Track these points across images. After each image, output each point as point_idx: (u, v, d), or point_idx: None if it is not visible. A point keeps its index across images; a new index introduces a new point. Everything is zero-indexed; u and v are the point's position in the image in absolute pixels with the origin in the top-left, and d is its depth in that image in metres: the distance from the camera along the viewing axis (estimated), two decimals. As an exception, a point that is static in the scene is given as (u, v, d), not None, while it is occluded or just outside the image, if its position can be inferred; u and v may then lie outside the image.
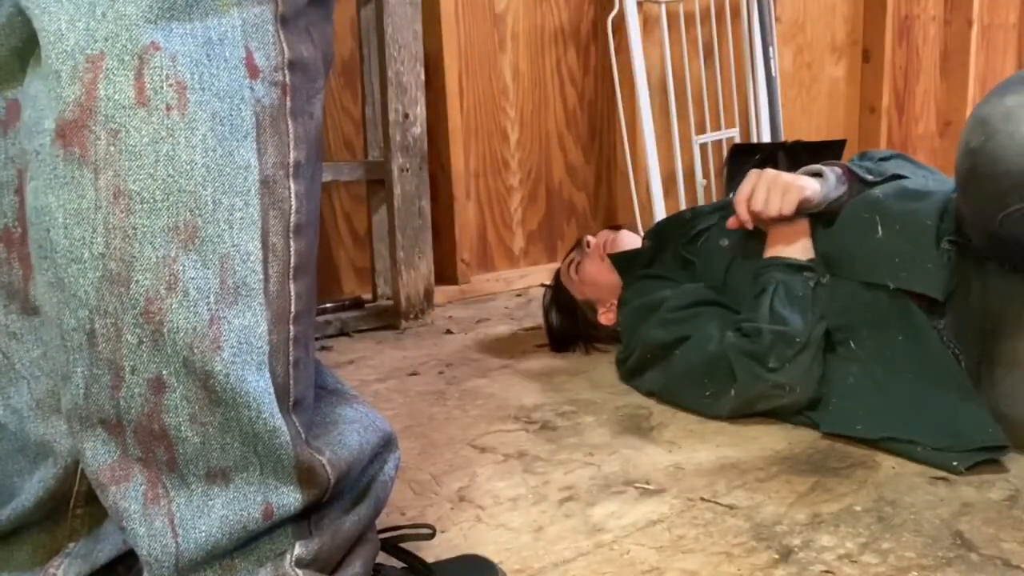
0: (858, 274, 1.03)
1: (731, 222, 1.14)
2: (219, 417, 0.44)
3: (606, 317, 1.34)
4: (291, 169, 0.45)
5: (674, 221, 1.35)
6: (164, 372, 0.43)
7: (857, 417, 0.96)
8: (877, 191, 1.07)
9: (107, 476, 0.44)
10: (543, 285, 1.54)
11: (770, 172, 1.10)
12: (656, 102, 2.02)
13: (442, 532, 0.78)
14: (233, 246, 0.44)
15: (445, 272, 1.92)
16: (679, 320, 1.13)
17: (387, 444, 0.58)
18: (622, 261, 1.32)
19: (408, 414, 1.12)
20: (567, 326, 1.42)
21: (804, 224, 1.11)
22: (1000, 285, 0.94)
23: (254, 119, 0.44)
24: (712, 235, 1.24)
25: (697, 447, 0.98)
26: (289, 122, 0.45)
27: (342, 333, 1.62)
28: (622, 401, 1.15)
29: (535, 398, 1.19)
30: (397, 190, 1.62)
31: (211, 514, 0.45)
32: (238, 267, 0.44)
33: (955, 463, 0.87)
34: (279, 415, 0.46)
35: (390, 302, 1.72)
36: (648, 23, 2.04)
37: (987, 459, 0.87)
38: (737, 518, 0.79)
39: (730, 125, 2.21)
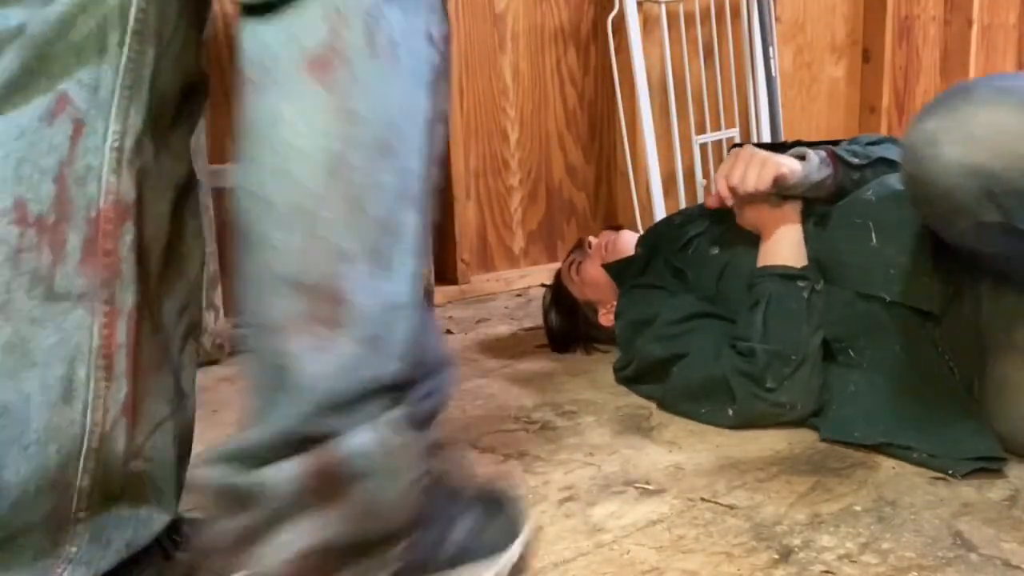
0: (853, 284, 1.02)
1: (710, 200, 1.14)
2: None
3: (606, 318, 1.34)
4: (441, 116, 0.60)
5: (664, 227, 1.34)
6: (356, 249, 0.53)
7: (855, 424, 0.96)
8: (870, 193, 1.05)
9: (283, 323, 0.53)
10: (543, 285, 1.54)
11: (748, 148, 1.10)
12: (656, 102, 2.02)
13: (442, 532, 0.78)
14: (409, 163, 0.56)
15: (445, 272, 1.92)
16: (674, 336, 1.12)
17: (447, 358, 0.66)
18: (616, 270, 1.32)
19: None
20: (567, 326, 1.42)
21: (797, 226, 1.09)
22: (991, 305, 0.93)
23: (430, 75, 0.57)
24: (702, 242, 1.23)
25: (697, 447, 0.98)
26: (442, 81, 0.59)
27: (342, 333, 1.62)
28: (622, 401, 1.15)
29: (535, 398, 1.19)
30: (397, 190, 1.61)
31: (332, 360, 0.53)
32: (410, 179, 0.56)
33: (950, 471, 0.87)
34: (424, 308, 0.59)
35: (390, 302, 1.71)
36: (648, 23, 2.04)
37: (986, 468, 0.87)
38: (737, 518, 0.79)
39: (730, 125, 2.20)
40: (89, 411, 0.56)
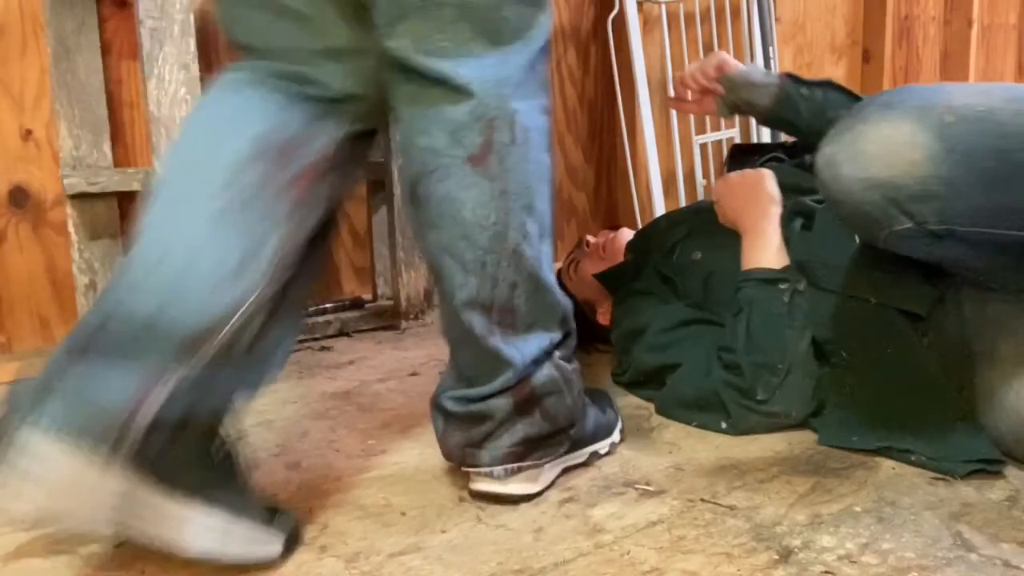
0: (840, 286, 1.01)
1: (670, 103, 1.32)
2: (537, 296, 0.81)
3: (605, 317, 1.33)
4: (552, 167, 0.82)
5: (651, 231, 1.33)
6: (517, 279, 0.79)
7: (853, 429, 0.95)
8: None
9: (482, 331, 0.79)
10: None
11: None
12: (656, 102, 2.02)
13: (442, 532, 0.78)
14: (544, 210, 0.80)
15: (445, 272, 1.91)
16: (666, 345, 1.12)
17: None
18: (608, 279, 1.32)
19: (408, 415, 1.12)
20: None
21: (775, 222, 1.08)
22: (974, 315, 0.93)
23: (548, 140, 0.80)
24: (686, 247, 1.23)
25: (697, 448, 0.98)
26: (551, 140, 0.82)
27: (342, 333, 1.62)
28: (622, 402, 1.15)
29: (535, 398, 1.18)
30: (397, 190, 1.62)
31: (530, 344, 0.81)
32: (545, 219, 0.81)
33: (948, 475, 0.87)
34: (559, 292, 0.84)
35: (390, 302, 1.72)
36: (648, 23, 2.04)
37: (985, 470, 0.87)
38: (737, 519, 0.79)
39: (730, 125, 2.20)
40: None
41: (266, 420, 1.11)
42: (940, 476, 0.87)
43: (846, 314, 1.00)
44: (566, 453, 0.89)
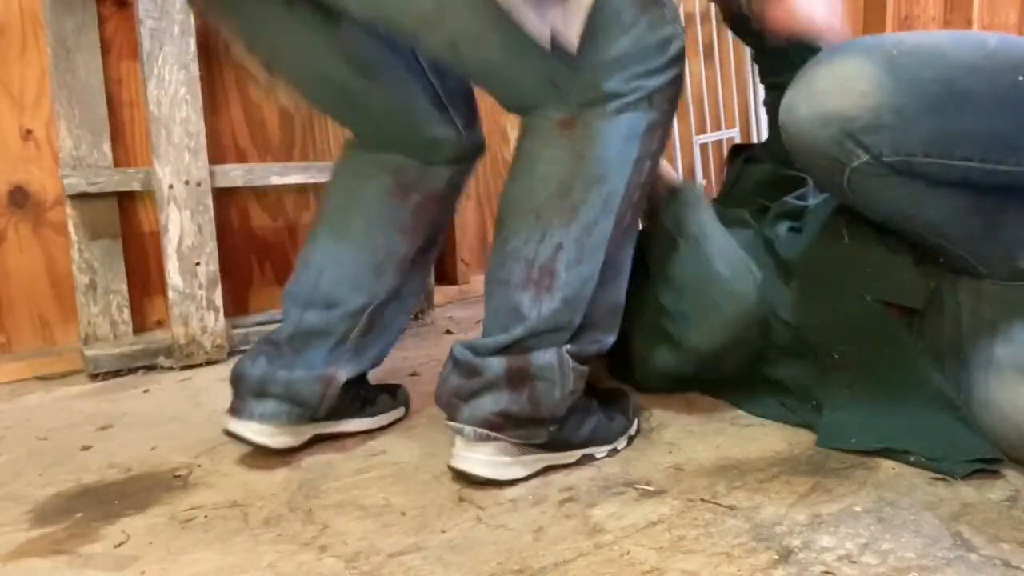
0: (832, 285, 1.00)
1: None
2: (578, 270, 0.86)
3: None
4: (650, 155, 0.88)
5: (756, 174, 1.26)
6: (564, 241, 0.85)
7: (851, 430, 0.95)
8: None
9: (516, 281, 0.87)
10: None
11: None
12: (656, 102, 2.01)
13: (442, 532, 0.78)
14: (616, 187, 0.86)
15: (445, 272, 1.92)
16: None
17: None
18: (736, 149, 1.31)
19: (409, 414, 1.12)
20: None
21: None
22: (970, 318, 0.92)
23: (643, 128, 0.86)
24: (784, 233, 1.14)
25: (697, 448, 0.98)
26: (659, 129, 0.89)
27: (342, 333, 1.62)
28: (622, 401, 1.15)
29: (535, 398, 1.18)
30: (397, 190, 1.62)
31: (551, 312, 0.86)
32: (613, 198, 0.86)
33: (948, 475, 0.87)
34: (596, 282, 0.88)
35: (390, 302, 1.72)
36: (648, 23, 2.04)
37: (984, 469, 0.87)
38: (737, 519, 0.79)
39: (730, 125, 2.21)
40: None
41: (266, 420, 1.11)
42: (940, 476, 0.87)
43: (838, 314, 0.99)
44: (545, 449, 0.90)
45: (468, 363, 0.86)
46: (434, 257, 1.09)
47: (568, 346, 0.87)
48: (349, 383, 0.99)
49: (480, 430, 0.85)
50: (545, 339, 0.86)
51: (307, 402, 0.95)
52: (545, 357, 0.86)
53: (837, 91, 0.81)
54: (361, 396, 1.05)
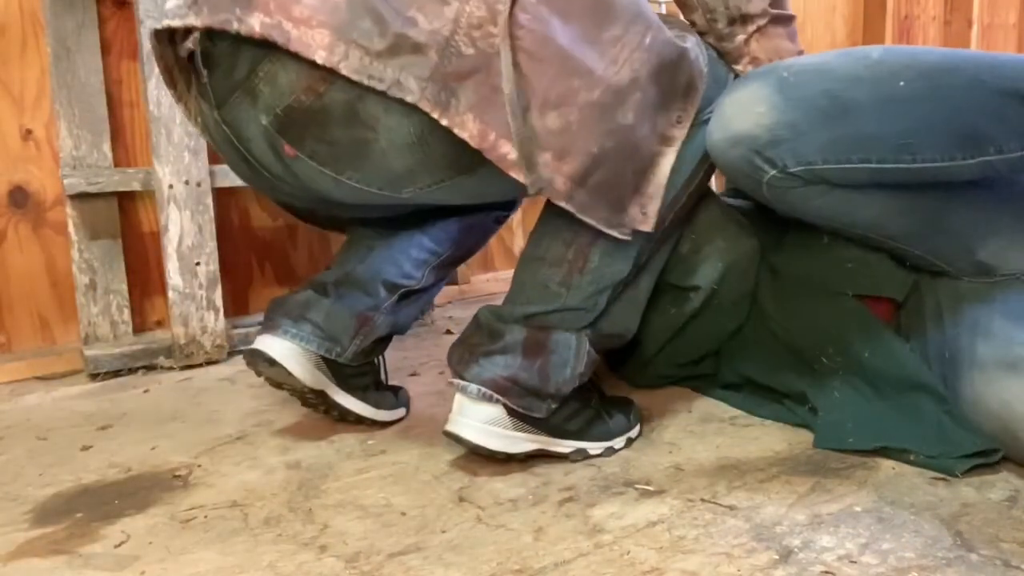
0: (815, 287, 1.02)
1: None
2: (616, 254, 0.92)
3: None
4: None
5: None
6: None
7: (847, 431, 0.95)
8: None
9: (552, 259, 0.93)
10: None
11: None
12: (656, 102, 2.01)
13: (442, 532, 0.78)
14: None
15: (445, 272, 1.92)
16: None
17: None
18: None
19: (408, 414, 1.12)
20: None
21: None
22: (950, 318, 0.93)
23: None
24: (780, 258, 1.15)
25: (697, 448, 0.98)
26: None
27: (342, 333, 1.62)
28: (622, 401, 1.15)
29: (535, 398, 1.18)
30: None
31: (580, 299, 0.92)
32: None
33: (947, 473, 0.87)
34: (627, 279, 0.95)
35: (390, 302, 1.72)
36: (648, 23, 2.04)
37: (983, 463, 0.87)
38: (737, 519, 0.79)
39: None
40: None
41: (266, 420, 1.11)
42: (940, 476, 0.87)
43: (820, 318, 1.01)
44: (539, 429, 0.92)
45: (491, 325, 0.91)
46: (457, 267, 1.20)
47: (588, 331, 0.92)
48: (379, 341, 1.05)
49: (484, 389, 0.88)
50: (568, 318, 0.91)
51: (339, 338, 0.99)
52: (565, 335, 0.91)
53: (740, 115, 0.88)
54: (375, 372, 1.08)
